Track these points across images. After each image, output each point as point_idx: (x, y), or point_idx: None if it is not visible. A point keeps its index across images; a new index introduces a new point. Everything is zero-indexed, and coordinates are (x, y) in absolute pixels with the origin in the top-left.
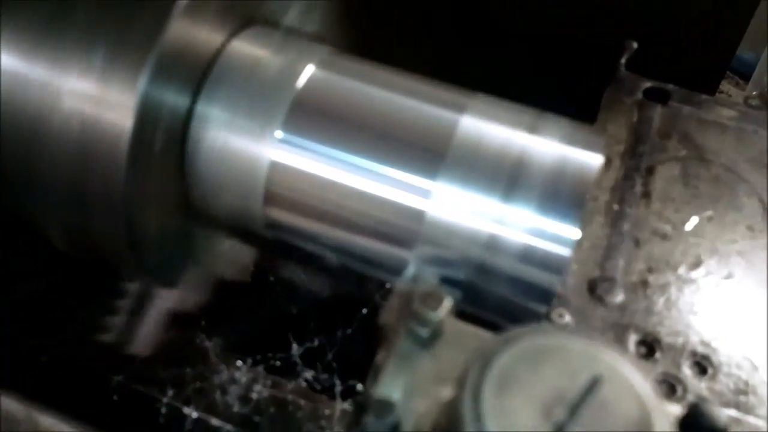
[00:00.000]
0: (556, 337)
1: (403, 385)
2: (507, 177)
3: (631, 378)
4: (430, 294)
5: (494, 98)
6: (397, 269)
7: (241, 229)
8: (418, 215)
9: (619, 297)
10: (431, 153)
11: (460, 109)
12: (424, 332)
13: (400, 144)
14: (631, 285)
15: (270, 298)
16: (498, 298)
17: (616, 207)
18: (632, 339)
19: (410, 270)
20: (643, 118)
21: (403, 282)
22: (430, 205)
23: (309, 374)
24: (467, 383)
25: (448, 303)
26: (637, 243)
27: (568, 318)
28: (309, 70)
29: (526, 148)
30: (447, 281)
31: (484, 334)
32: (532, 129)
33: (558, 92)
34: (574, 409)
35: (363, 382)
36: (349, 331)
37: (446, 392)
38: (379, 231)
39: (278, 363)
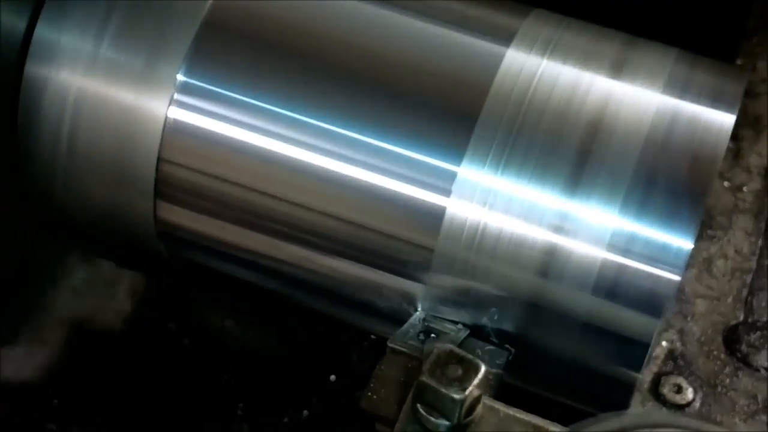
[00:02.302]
0: (668, 428)
1: None
2: (574, 154)
3: None
4: (453, 357)
5: (553, 15)
6: (391, 312)
7: (115, 243)
8: (428, 222)
9: None
10: (451, 115)
11: (502, 36)
12: (442, 426)
13: (388, 96)
14: None
15: (172, 360)
16: (562, 361)
17: None
18: None
19: (416, 314)
20: None
21: (403, 336)
22: (449, 203)
23: None
24: None
25: (483, 373)
26: None
27: (690, 393)
28: None
29: (608, 104)
30: (477, 335)
31: (549, 426)
32: (618, 68)
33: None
34: None
35: None
36: (305, 414)
37: None
38: (362, 247)
39: None
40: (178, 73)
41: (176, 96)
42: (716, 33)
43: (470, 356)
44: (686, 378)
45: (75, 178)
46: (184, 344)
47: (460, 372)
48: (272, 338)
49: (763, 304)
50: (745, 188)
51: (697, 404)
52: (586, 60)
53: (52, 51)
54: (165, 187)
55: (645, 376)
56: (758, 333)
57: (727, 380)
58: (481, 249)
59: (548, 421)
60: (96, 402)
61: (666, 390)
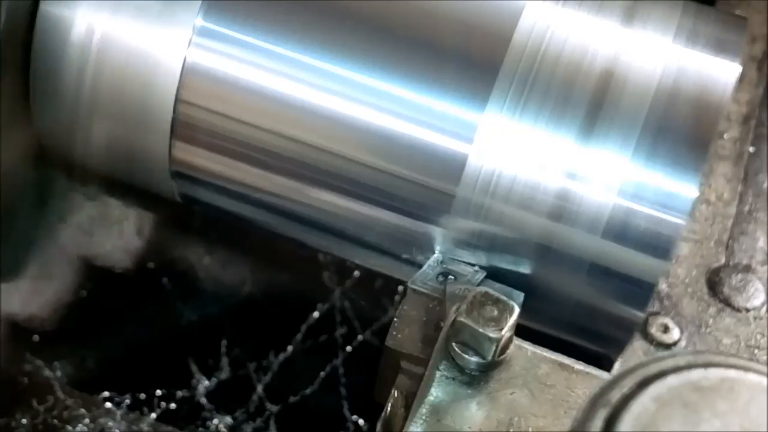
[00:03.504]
0: (720, 368)
1: None
2: (588, 104)
3: None
4: (486, 297)
5: None
6: (409, 254)
7: (128, 181)
8: (450, 168)
9: (757, 298)
10: (473, 65)
11: None
12: (473, 363)
13: (408, 44)
14: None
15: (158, 300)
16: (570, 301)
17: (750, 149)
18: None
19: (434, 256)
20: None
21: (423, 278)
22: (470, 150)
23: (223, 422)
24: None
25: (516, 313)
26: None
27: (676, 332)
28: None
29: (619, 54)
30: (492, 276)
31: (573, 365)
32: (629, 18)
33: None
34: None
35: None
36: (289, 350)
37: None
38: (383, 191)
39: (173, 405)
40: (196, 17)
41: (194, 39)
42: None
43: (504, 298)
44: (672, 318)
45: (96, 116)
46: (163, 283)
47: (495, 312)
48: (252, 276)
49: (744, 247)
50: (725, 135)
51: (683, 343)
52: (598, 10)
53: None
54: (181, 127)
55: None
56: (739, 275)
57: (711, 320)
58: (499, 194)
59: (573, 360)
60: (80, 338)
61: (654, 329)
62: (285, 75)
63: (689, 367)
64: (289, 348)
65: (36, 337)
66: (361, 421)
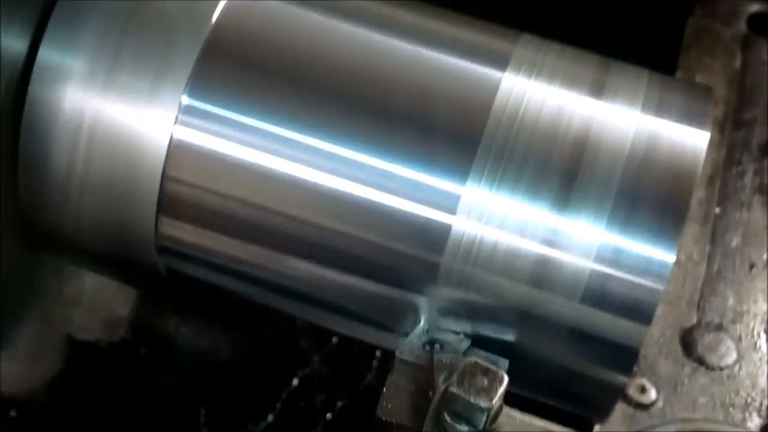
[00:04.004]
0: None
1: None
2: (563, 174)
3: None
4: (476, 367)
5: (539, 39)
6: (394, 324)
7: (115, 258)
8: (434, 239)
9: (729, 356)
10: (454, 139)
11: (497, 61)
12: (463, 431)
13: (391, 118)
14: (747, 334)
15: (136, 370)
16: (553, 367)
17: (717, 210)
18: (754, 423)
19: (420, 326)
20: (750, 64)
21: (409, 347)
22: (454, 221)
23: None
24: None
25: (506, 383)
26: (752, 267)
27: (653, 393)
28: None
29: (590, 125)
30: (480, 343)
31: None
32: (598, 90)
33: (617, 25)
34: None
35: None
36: (269, 419)
37: None
38: (369, 263)
39: None
40: (182, 95)
41: (180, 117)
42: (656, 47)
43: (494, 367)
44: (648, 379)
45: (86, 194)
46: (141, 353)
47: (486, 382)
48: (230, 344)
49: (715, 306)
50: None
51: (660, 403)
52: (569, 83)
53: (62, 74)
54: (167, 203)
55: None
56: (711, 335)
57: (686, 380)
58: (481, 262)
59: (563, 427)
60: (58, 412)
61: (631, 390)
62: (270, 150)
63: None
64: (269, 416)
65: (13, 413)
66: None
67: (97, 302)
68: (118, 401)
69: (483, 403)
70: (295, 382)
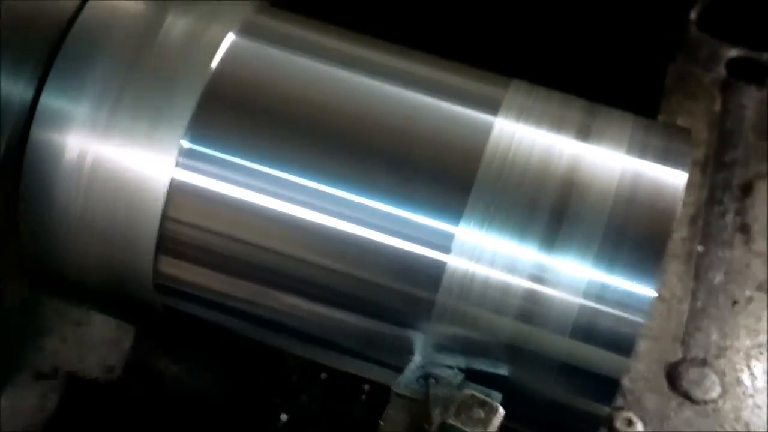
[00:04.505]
0: None
1: None
2: (550, 212)
3: None
4: (472, 400)
5: (527, 84)
6: (391, 359)
7: (114, 297)
8: (429, 277)
9: (714, 390)
10: (449, 178)
11: (491, 105)
12: None
13: (389, 163)
14: (730, 369)
15: (128, 409)
16: (542, 400)
17: (699, 249)
18: None
19: (415, 360)
20: (730, 107)
21: (405, 381)
22: (448, 260)
23: None
24: None
25: (502, 414)
26: (735, 304)
27: (640, 426)
28: (228, 40)
29: (577, 167)
30: (474, 377)
31: None
32: (585, 133)
33: (602, 70)
34: None
35: None
36: None
37: None
38: (364, 300)
39: None
40: (182, 139)
41: (180, 159)
42: (639, 92)
43: (490, 400)
44: (635, 413)
45: (87, 235)
46: (131, 392)
47: (482, 414)
48: (220, 382)
49: (699, 342)
50: (675, 236)
51: None
52: (557, 127)
53: (64, 118)
54: (166, 243)
55: None
56: (696, 369)
57: (672, 413)
58: (473, 299)
59: None
60: None
61: (618, 424)
62: (268, 192)
63: None
64: None
65: None
66: None
67: (96, 340)
68: None
69: None
70: (284, 417)
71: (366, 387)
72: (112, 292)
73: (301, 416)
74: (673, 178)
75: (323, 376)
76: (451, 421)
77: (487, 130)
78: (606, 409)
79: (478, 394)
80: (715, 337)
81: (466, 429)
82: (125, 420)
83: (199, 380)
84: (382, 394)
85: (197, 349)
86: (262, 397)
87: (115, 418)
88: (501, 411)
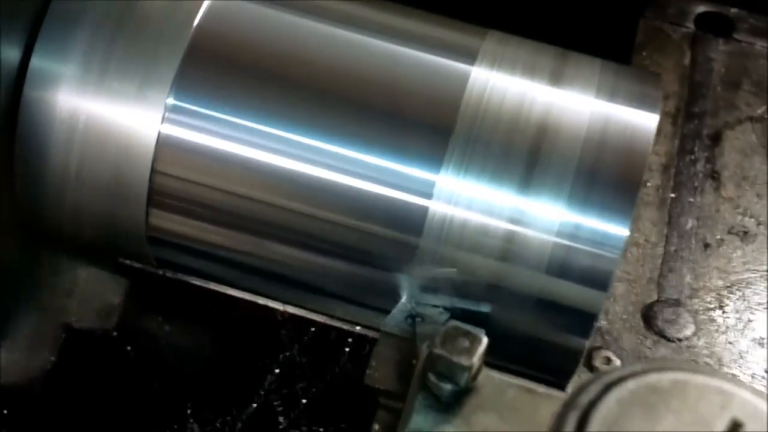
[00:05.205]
0: (670, 372)
1: None
2: (525, 158)
3: None
4: (458, 331)
5: (501, 34)
6: (379, 302)
7: (109, 250)
8: (412, 222)
9: (687, 329)
10: (429, 127)
11: (467, 54)
12: (447, 389)
13: (370, 113)
14: (703, 310)
15: (124, 366)
16: (522, 335)
17: (671, 195)
18: None
19: (402, 301)
20: (698, 61)
21: (393, 321)
22: (430, 205)
23: None
24: None
25: (485, 343)
26: (706, 247)
27: (618, 364)
28: None
29: (549, 112)
30: (457, 316)
31: (536, 388)
32: (556, 79)
33: (572, 25)
34: None
35: None
36: (253, 407)
37: None
38: (352, 245)
39: None
40: (168, 96)
41: (166, 115)
42: (610, 47)
43: (473, 330)
44: (614, 351)
45: (81, 191)
46: (127, 352)
47: (467, 344)
48: (213, 339)
49: (673, 284)
50: (648, 183)
51: None
52: (530, 74)
53: (55, 79)
54: (157, 196)
55: None
56: (671, 309)
57: (648, 351)
58: (453, 241)
59: (536, 384)
60: (48, 407)
61: (597, 362)
62: (253, 144)
63: (645, 372)
64: (254, 404)
65: (5, 411)
66: None
67: (91, 293)
68: (106, 397)
69: (465, 362)
70: (277, 370)
71: (350, 340)
72: (106, 245)
73: (291, 368)
74: (644, 120)
75: (312, 329)
76: (437, 351)
77: (464, 79)
78: (584, 343)
79: (461, 325)
80: (688, 278)
81: (452, 357)
82: (120, 374)
83: (192, 338)
84: (366, 345)
85: (189, 309)
86: (253, 352)
87: (110, 371)
88: (485, 340)
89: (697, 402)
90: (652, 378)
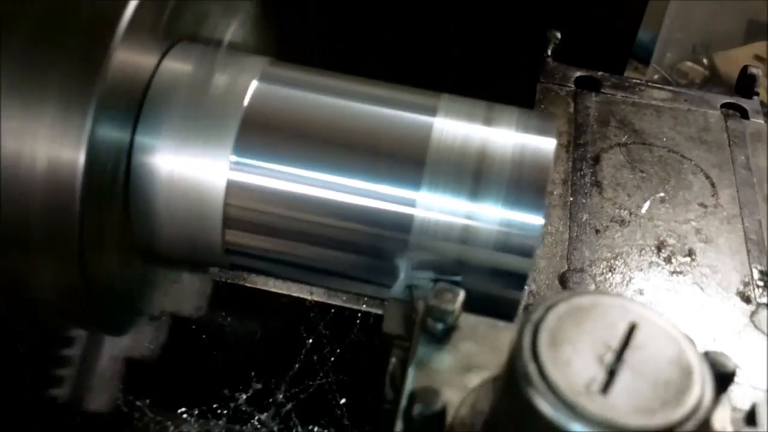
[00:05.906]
0: (588, 296)
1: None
2: (472, 175)
3: (660, 322)
4: (444, 289)
5: (450, 95)
6: (384, 280)
7: (197, 260)
8: (404, 223)
9: (590, 288)
10: (411, 161)
11: (431, 111)
12: (439, 328)
13: (372, 155)
14: (599, 274)
15: (199, 348)
16: (480, 293)
17: (570, 199)
18: None
19: (401, 278)
20: (579, 108)
21: (397, 290)
22: (414, 212)
23: (262, 416)
24: (523, 347)
25: (462, 295)
26: (597, 231)
27: None
28: (253, 85)
29: (486, 144)
30: (438, 282)
31: (497, 323)
32: (488, 120)
33: (490, 92)
34: (620, 353)
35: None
36: (296, 368)
37: (473, 380)
38: (364, 244)
39: (226, 412)
40: (230, 154)
41: (231, 166)
42: (520, 102)
43: (456, 288)
44: None
45: (176, 223)
46: (202, 339)
47: (451, 296)
48: (261, 324)
49: (577, 257)
50: (554, 192)
51: None
52: (470, 119)
53: (152, 148)
54: (229, 221)
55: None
56: (577, 275)
57: None
58: (432, 235)
59: (499, 320)
60: (157, 374)
61: None
62: (293, 180)
63: (572, 297)
64: (296, 366)
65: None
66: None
67: (187, 292)
68: (193, 368)
69: (450, 308)
70: (310, 341)
71: (359, 315)
72: (194, 258)
73: (319, 338)
74: (547, 145)
75: (332, 311)
76: (432, 302)
77: (429, 126)
78: (521, 294)
79: (447, 285)
80: (587, 253)
81: (442, 306)
82: (199, 353)
83: (246, 325)
84: (370, 318)
85: (243, 305)
86: (292, 330)
87: (193, 352)
88: (462, 293)
89: (606, 313)
90: (577, 300)
